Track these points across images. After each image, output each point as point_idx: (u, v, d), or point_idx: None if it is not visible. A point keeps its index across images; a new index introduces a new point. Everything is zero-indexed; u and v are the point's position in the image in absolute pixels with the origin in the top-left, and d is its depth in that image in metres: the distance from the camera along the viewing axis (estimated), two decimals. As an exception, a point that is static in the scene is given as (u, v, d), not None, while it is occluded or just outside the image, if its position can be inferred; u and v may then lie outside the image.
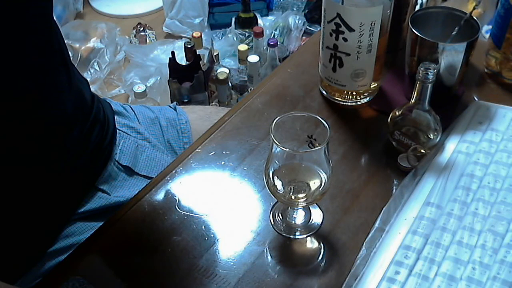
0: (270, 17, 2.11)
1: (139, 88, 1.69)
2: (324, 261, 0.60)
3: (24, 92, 0.63)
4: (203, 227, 0.64)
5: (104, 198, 0.76)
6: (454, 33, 0.73)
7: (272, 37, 2.00)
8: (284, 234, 0.63)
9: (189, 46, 1.73)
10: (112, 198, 0.76)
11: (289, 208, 0.64)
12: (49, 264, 0.71)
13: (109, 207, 0.76)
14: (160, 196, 0.68)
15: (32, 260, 0.70)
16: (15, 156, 0.64)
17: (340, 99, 0.78)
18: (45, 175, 0.69)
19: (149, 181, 0.72)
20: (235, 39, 1.99)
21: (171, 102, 0.98)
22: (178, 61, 1.72)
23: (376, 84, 0.78)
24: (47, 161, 0.69)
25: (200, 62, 1.71)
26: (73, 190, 0.74)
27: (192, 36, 1.81)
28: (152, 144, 0.86)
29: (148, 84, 1.90)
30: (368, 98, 0.78)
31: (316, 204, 0.65)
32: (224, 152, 0.72)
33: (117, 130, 0.83)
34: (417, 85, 0.65)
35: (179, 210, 0.66)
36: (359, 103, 0.78)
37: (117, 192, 0.78)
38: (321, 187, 0.58)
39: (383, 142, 0.73)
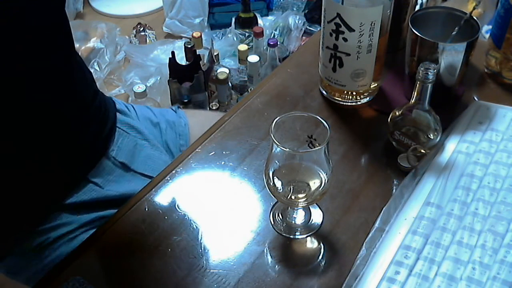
0: (270, 17, 2.11)
1: (139, 88, 1.69)
2: (324, 261, 0.60)
3: (23, 84, 0.63)
4: (203, 227, 0.64)
5: (96, 191, 0.76)
6: (454, 33, 0.73)
7: (272, 37, 2.00)
8: (284, 234, 0.63)
9: (189, 46, 1.73)
10: (104, 192, 0.76)
11: (289, 208, 0.64)
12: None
13: (100, 201, 0.76)
14: (160, 196, 0.68)
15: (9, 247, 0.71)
16: (6, 146, 0.64)
17: (340, 99, 0.78)
18: (32, 165, 0.69)
19: (146, 179, 0.71)
20: (235, 39, 1.98)
21: (171, 102, 0.99)
22: (178, 61, 1.72)
23: (376, 84, 0.78)
24: (36, 152, 0.69)
25: (200, 62, 1.71)
26: (62, 181, 0.74)
27: (192, 36, 1.81)
28: (151, 144, 0.86)
29: (148, 84, 1.90)
30: (368, 98, 0.78)
31: (316, 204, 0.65)
32: (224, 152, 0.72)
33: (117, 128, 0.83)
34: (417, 85, 0.65)
35: (179, 210, 0.66)
36: (359, 103, 0.78)
37: (111, 186, 0.78)
38: (321, 187, 0.58)
39: (383, 142, 0.73)
